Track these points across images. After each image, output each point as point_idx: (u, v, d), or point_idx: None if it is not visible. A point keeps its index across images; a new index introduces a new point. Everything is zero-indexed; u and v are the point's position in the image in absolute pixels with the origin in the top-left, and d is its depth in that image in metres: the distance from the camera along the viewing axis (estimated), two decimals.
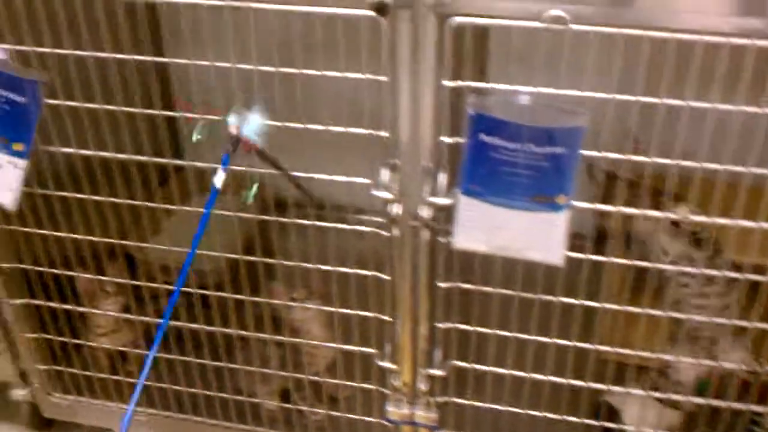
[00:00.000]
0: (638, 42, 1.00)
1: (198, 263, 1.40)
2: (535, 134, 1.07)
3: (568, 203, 1.13)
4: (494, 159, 1.10)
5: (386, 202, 1.21)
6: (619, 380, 1.36)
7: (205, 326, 1.51)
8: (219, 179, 1.20)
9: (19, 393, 1.79)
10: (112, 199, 1.41)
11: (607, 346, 1.31)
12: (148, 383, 1.65)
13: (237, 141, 1.18)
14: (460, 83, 1.09)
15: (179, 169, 1.39)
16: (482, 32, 1.16)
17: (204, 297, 1.50)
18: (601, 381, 1.34)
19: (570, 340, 1.30)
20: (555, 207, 1.13)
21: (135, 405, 1.67)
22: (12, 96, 1.30)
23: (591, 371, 1.34)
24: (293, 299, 1.53)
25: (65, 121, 1.33)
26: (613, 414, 1.51)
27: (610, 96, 1.05)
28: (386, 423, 1.47)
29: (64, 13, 1.22)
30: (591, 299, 1.28)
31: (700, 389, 1.48)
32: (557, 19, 0.99)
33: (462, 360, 1.38)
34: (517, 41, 1.05)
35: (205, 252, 1.31)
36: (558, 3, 0.99)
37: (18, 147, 1.34)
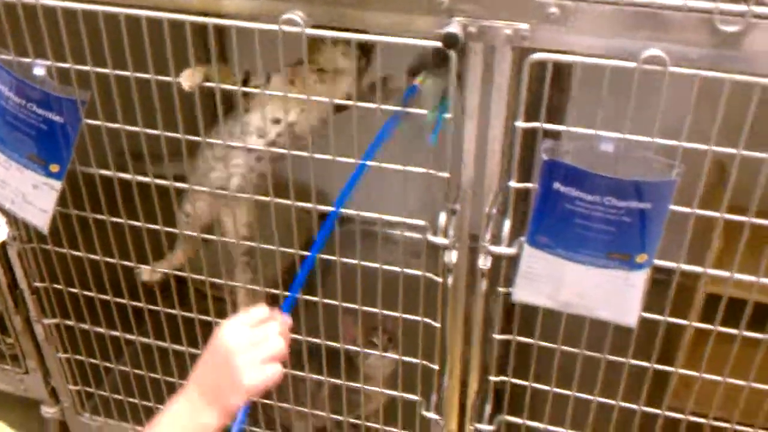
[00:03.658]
0: (748, 88, 0.83)
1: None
2: (618, 187, 0.90)
3: (649, 261, 0.96)
4: (568, 210, 0.94)
5: (442, 248, 1.05)
6: None
7: None
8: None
9: (48, 411, 1.67)
10: (150, 225, 1.26)
11: (678, 413, 1.13)
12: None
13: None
14: (535, 125, 0.93)
15: None
16: (563, 69, 0.99)
17: None
18: None
19: (638, 402, 1.13)
20: (633, 265, 0.96)
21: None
22: (50, 115, 1.16)
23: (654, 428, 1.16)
24: (372, 344, 1.34)
25: (103, 140, 1.19)
26: None
27: (708, 147, 0.88)
28: None
29: (107, 30, 1.07)
30: (665, 357, 1.11)
31: None
32: (655, 60, 0.82)
33: (515, 416, 1.21)
34: (605, 81, 0.88)
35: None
36: (656, 41, 0.83)
37: (54, 168, 1.21)
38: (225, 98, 1.14)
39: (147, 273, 1.41)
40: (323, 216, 1.10)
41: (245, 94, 1.20)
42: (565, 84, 1.19)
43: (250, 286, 1.33)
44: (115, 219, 1.28)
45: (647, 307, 1.01)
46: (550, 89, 0.92)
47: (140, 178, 1.21)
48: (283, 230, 1.21)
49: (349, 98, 1.22)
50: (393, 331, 1.30)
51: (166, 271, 1.41)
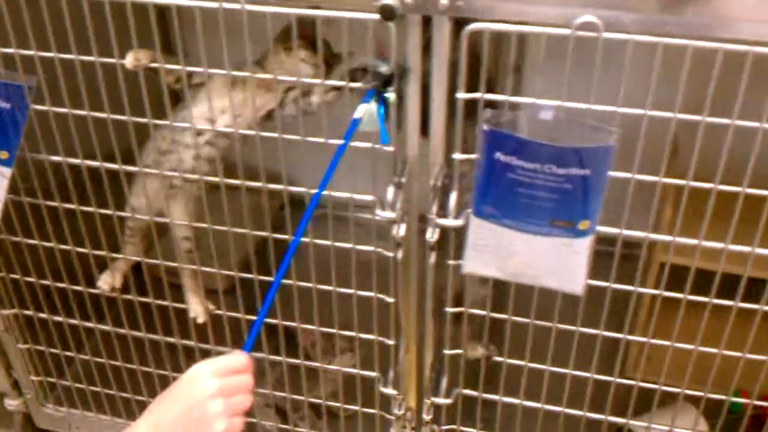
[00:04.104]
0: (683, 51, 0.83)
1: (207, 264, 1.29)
2: (557, 154, 0.91)
3: (592, 228, 0.97)
4: (510, 180, 0.95)
5: (390, 222, 1.05)
6: (645, 406, 1.20)
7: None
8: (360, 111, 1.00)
9: (11, 403, 1.66)
10: (102, 210, 1.26)
11: (630, 380, 1.14)
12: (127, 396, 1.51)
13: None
14: (475, 95, 0.93)
15: None
16: (504, 39, 1.00)
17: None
18: (625, 406, 1.17)
19: (589, 371, 1.14)
20: (576, 233, 0.97)
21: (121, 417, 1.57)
22: None
23: (613, 397, 1.17)
24: (332, 346, 1.35)
25: (52, 126, 1.18)
26: None
27: (643, 112, 0.89)
28: None
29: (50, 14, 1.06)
30: (615, 324, 1.12)
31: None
32: (588, 26, 0.83)
33: (472, 388, 1.22)
34: (546, 50, 0.88)
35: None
36: (592, 8, 0.83)
37: (3, 155, 1.20)
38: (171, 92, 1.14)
39: (105, 283, 1.42)
40: (283, 206, 1.10)
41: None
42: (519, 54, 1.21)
43: (207, 269, 1.32)
44: (67, 205, 1.27)
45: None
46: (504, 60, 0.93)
47: (89, 162, 1.20)
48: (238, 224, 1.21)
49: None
50: (351, 337, 1.29)
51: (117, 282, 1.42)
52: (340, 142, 1.04)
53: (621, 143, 0.89)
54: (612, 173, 0.92)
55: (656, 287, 1.07)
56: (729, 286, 1.02)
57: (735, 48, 0.81)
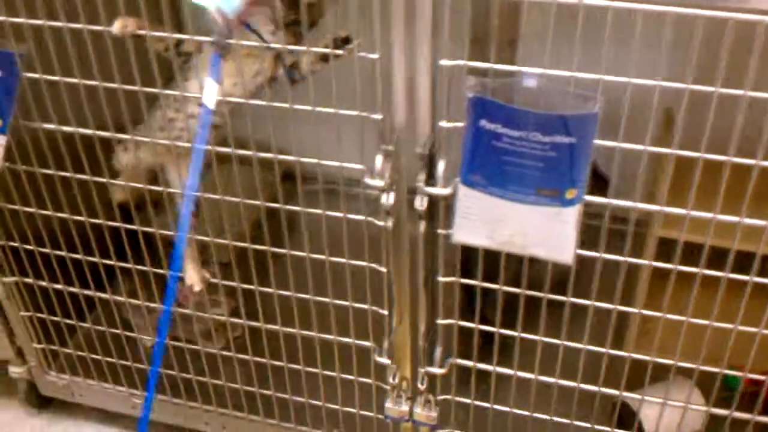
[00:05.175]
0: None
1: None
2: (541, 121, 0.92)
3: (579, 197, 0.99)
4: (496, 148, 0.96)
5: (380, 190, 1.07)
6: (638, 379, 1.22)
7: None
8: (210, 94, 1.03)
9: (16, 370, 1.72)
10: (96, 179, 1.30)
11: (622, 351, 1.16)
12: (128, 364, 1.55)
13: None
14: (458, 62, 0.95)
15: None
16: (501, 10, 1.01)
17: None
18: (619, 380, 1.20)
19: (582, 341, 1.16)
20: (564, 201, 0.99)
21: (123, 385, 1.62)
22: None
23: (609, 371, 1.19)
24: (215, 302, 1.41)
25: (44, 94, 1.21)
26: (630, 416, 1.39)
27: (626, 80, 0.90)
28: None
29: None
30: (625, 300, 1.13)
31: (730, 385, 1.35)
32: None
33: (466, 358, 1.25)
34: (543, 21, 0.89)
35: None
36: None
37: None
38: (165, 66, 1.17)
39: (118, 193, 1.45)
40: (287, 176, 1.12)
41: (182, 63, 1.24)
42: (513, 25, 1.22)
43: (219, 240, 1.35)
44: (62, 173, 1.31)
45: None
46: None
47: (82, 130, 1.24)
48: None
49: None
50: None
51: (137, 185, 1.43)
52: (330, 110, 1.07)
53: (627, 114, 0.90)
54: (597, 141, 0.93)
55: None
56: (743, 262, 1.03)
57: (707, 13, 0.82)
